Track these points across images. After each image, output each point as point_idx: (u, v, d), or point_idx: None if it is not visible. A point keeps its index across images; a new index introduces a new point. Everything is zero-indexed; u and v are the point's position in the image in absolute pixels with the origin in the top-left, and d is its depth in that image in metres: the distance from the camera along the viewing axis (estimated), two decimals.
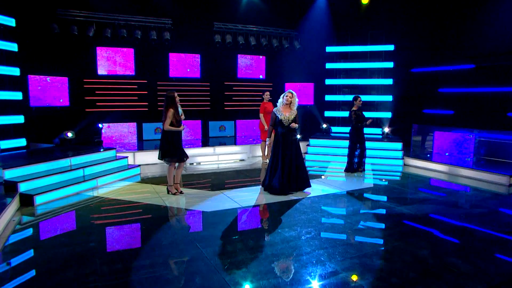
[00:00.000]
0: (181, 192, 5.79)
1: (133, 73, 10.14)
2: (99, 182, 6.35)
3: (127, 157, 7.70)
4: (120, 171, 7.00)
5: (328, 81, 11.32)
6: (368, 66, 10.88)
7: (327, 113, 11.43)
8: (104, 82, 9.82)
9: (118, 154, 7.85)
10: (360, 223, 4.57)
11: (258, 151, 9.52)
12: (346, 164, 7.48)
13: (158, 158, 5.59)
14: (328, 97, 11.40)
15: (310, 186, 5.85)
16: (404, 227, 4.47)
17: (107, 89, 9.86)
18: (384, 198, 5.77)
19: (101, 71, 9.84)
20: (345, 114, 10.48)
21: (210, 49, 10.83)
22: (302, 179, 5.75)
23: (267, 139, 5.82)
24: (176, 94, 5.49)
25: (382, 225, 4.53)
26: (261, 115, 7.90)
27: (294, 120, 5.55)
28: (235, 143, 9.94)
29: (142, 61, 10.20)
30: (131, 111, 10.10)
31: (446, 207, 5.35)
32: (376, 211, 5.15)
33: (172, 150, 5.45)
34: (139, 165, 7.71)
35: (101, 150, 7.53)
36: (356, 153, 7.33)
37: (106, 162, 7.05)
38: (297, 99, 5.61)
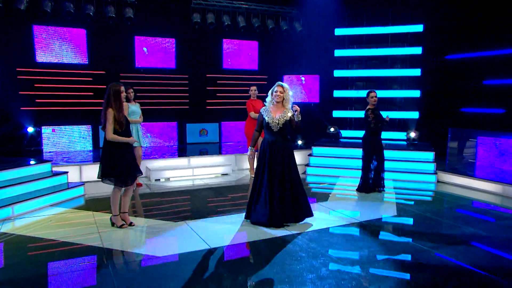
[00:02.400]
0: (130, 224, 4.91)
1: (86, 62, 9.47)
2: (16, 210, 5.39)
3: (67, 172, 6.74)
4: (54, 193, 6.11)
5: (338, 73, 10.84)
6: (389, 53, 10.39)
7: (336, 113, 10.87)
8: (46, 72, 9.02)
9: (55, 169, 6.90)
10: (378, 277, 3.55)
11: (246, 162, 8.61)
12: (359, 181, 6.67)
13: (98, 177, 4.66)
14: (337, 93, 10.85)
15: (312, 215, 5.04)
16: (448, 285, 3.46)
17: (51, 81, 9.07)
18: (413, 234, 4.83)
19: (42, 57, 9.03)
20: (359, 114, 9.89)
21: (187, 31, 10.35)
22: (299, 205, 4.94)
23: (250, 148, 4.94)
24: (123, 88, 4.60)
25: (414, 280, 3.54)
26: (252, 113, 7.34)
27: (288, 123, 4.81)
28: (219, 152, 9.31)
29: (99, 46, 9.53)
30: (84, 111, 9.37)
31: (509, 249, 4.32)
32: (402, 256, 4.16)
33: (115, 168, 4.54)
34: (83, 183, 6.76)
35: (17, 163, 6.54)
36: (372, 166, 6.53)
37: (33, 181, 6.13)
38: (291, 93, 4.88)
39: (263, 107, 4.87)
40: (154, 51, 10.13)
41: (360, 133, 7.25)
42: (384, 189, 6.69)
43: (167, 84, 10.29)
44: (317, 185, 7.56)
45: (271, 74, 10.99)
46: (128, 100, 6.58)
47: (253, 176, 6.89)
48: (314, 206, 5.96)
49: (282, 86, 4.79)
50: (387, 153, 7.14)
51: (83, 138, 9.46)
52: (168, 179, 7.83)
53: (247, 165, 8.61)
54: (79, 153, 8.84)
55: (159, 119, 10.08)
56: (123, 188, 4.78)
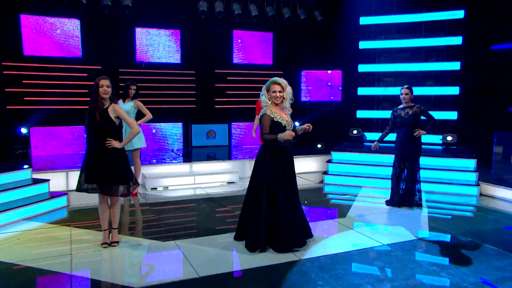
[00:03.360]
0: (112, 244, 4.51)
1: (80, 56, 9.21)
2: None
3: (48, 180, 6.38)
4: (31, 204, 5.70)
5: (363, 67, 10.34)
6: (423, 44, 9.84)
7: (361, 113, 10.39)
8: (34, 67, 8.76)
9: (37, 175, 6.58)
10: None
11: None
12: (390, 192, 6.26)
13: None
14: (362, 90, 10.41)
15: (312, 235, 4.73)
16: None
17: (40, 77, 8.83)
18: (450, 264, 4.18)
19: (30, 51, 8.74)
20: (387, 114, 9.36)
21: (193, 22, 10.03)
22: (305, 222, 4.68)
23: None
24: (102, 81, 4.30)
25: None
26: (257, 117, 7.05)
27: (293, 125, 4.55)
28: (229, 157, 9.06)
29: (94, 38, 9.28)
30: (77, 110, 9.01)
31: None
32: None
33: (93, 173, 4.24)
34: (67, 193, 6.37)
35: None
36: (403, 175, 6.08)
37: (7, 190, 5.76)
38: (290, 90, 4.45)
39: (265, 108, 4.45)
40: (156, 44, 9.87)
41: (389, 136, 6.74)
42: (421, 204, 6.15)
43: (171, 81, 10.05)
44: (336, 196, 7.08)
45: (287, 69, 10.68)
46: (125, 97, 6.43)
47: None
48: (331, 223, 5.48)
49: (280, 83, 4.36)
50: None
51: (75, 140, 9.17)
52: (166, 188, 7.46)
53: None
54: (71, 158, 8.52)
55: (162, 119, 9.85)
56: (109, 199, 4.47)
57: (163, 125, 10.01)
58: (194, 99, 10.32)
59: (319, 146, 9.72)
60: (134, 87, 6.42)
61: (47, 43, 8.83)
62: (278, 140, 4.19)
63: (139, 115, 6.51)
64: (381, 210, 6.07)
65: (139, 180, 7.30)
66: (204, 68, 10.33)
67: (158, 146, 10.01)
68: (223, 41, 10.45)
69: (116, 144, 4.25)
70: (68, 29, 8.99)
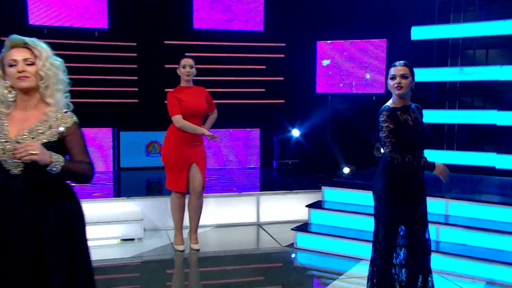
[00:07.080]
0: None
1: None
2: None
3: None
4: None
5: (420, 32, 9.03)
6: None
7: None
8: None
9: None
10: None
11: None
12: (367, 280, 5.02)
13: None
14: (419, 74, 8.95)
15: None
16: None
17: None
18: None
19: None
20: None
21: None
22: None
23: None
24: None
25: None
26: (176, 118, 6.05)
27: (57, 146, 2.89)
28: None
29: None
30: None
31: None
32: None
33: None
34: None
35: None
36: (400, 244, 4.75)
37: None
38: (53, 60, 3.15)
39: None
40: None
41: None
42: None
43: (94, 59, 8.98)
44: (313, 271, 5.65)
45: (292, 39, 9.71)
46: None
47: (178, 247, 6.22)
48: None
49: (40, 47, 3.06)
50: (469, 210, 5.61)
51: None
52: None
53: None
54: None
55: (81, 122, 8.48)
56: None
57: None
58: (135, 88, 9.37)
59: (345, 171, 8.69)
60: None
61: None
62: None
63: None
64: None
65: None
66: (146, 37, 9.37)
67: None
68: None
69: None
70: None
